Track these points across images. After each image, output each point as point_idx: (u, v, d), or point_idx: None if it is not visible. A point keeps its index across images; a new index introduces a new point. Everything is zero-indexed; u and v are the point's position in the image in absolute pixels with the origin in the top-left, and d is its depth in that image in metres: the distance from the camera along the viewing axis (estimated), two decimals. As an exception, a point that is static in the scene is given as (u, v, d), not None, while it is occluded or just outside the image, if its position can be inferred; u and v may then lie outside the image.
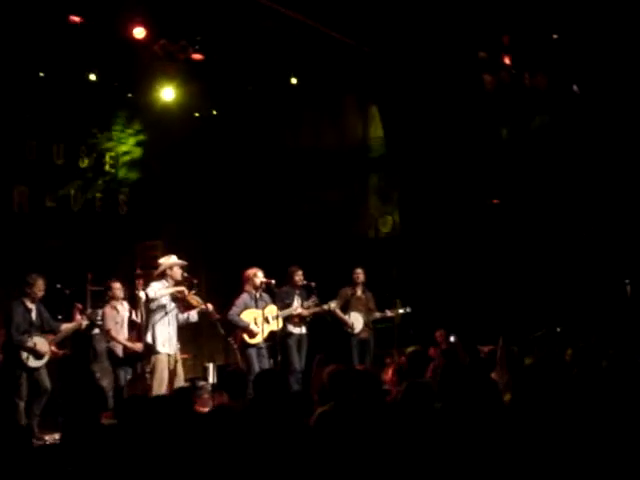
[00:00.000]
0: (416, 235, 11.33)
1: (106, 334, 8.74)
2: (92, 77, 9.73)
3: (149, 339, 7.99)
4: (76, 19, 8.73)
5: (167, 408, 4.33)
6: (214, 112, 11.28)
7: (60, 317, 8.66)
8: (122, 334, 8.75)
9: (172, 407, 4.41)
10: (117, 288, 8.78)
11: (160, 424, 4.11)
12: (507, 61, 9.82)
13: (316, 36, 9.84)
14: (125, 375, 8.73)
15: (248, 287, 8.97)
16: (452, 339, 9.77)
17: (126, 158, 10.94)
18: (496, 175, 10.96)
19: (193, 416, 4.48)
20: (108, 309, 8.76)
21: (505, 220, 10.96)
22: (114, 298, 8.81)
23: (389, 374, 8.77)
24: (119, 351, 8.76)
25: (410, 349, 6.22)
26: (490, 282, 10.72)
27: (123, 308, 8.85)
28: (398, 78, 10.67)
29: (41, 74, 9.52)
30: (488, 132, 10.79)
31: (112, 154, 10.99)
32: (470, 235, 11.06)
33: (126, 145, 10.93)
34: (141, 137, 10.98)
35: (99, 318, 8.79)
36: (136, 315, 8.93)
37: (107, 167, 10.95)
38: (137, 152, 10.95)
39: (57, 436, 6.99)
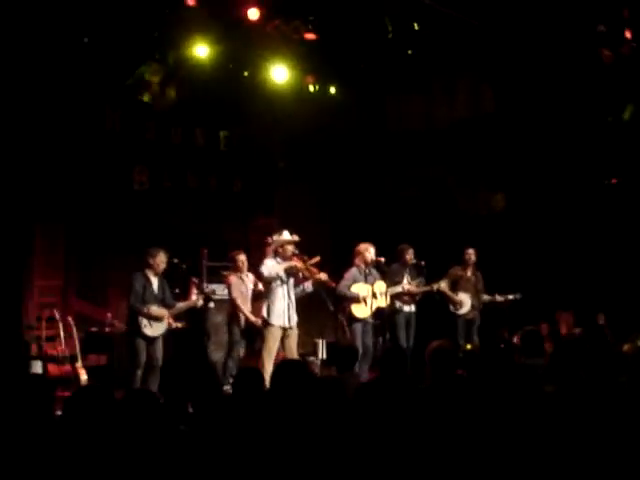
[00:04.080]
0: (528, 215, 11.08)
1: (231, 302, 8.91)
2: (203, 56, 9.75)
3: (264, 312, 8.21)
4: (191, 1, 8.95)
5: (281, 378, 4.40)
6: (332, 90, 11.18)
7: (177, 290, 9.00)
8: (246, 306, 8.90)
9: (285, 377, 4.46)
10: (241, 260, 8.96)
11: (275, 394, 4.21)
12: (628, 35, 9.44)
13: (429, 12, 9.74)
14: (242, 347, 8.92)
15: (358, 261, 9.04)
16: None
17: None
18: (615, 154, 10.58)
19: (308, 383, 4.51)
20: (234, 278, 8.92)
21: (624, 201, 10.59)
22: (239, 270, 8.98)
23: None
24: (241, 322, 8.91)
25: (525, 329, 6.13)
26: (602, 265, 10.42)
27: (248, 280, 9.00)
28: (513, 54, 10.43)
29: (157, 56, 9.80)
30: (608, 109, 10.41)
31: (226, 133, 11.30)
32: (585, 216, 10.75)
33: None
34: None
35: (214, 294, 9.01)
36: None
37: (222, 146, 11.27)
38: None
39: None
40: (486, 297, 10.08)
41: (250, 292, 9.00)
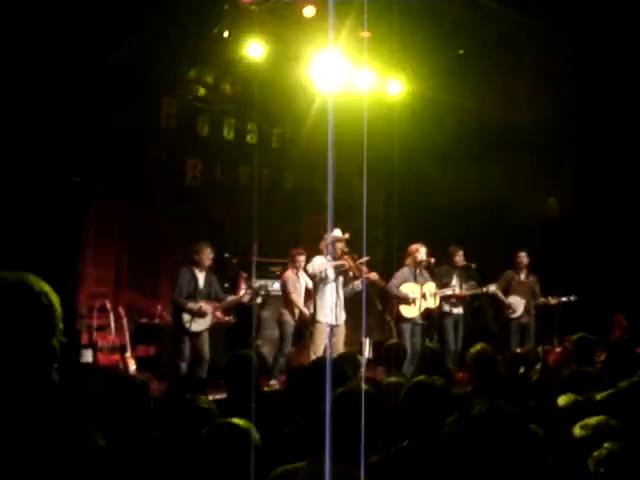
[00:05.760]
0: (586, 219, 10.89)
1: (286, 297, 8.93)
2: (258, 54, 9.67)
3: (312, 309, 8.26)
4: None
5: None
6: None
7: (227, 285, 9.06)
8: (300, 302, 8.88)
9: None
10: (300, 260, 8.88)
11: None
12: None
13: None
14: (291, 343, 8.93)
15: (409, 262, 9.05)
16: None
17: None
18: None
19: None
20: (290, 274, 8.95)
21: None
22: (296, 267, 8.96)
23: (549, 361, 8.52)
24: (295, 317, 8.91)
25: (577, 335, 6.05)
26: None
27: (303, 277, 8.97)
28: (571, 54, 10.27)
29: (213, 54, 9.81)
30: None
31: (279, 130, 11.35)
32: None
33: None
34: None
35: (263, 290, 9.03)
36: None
37: (274, 144, 11.32)
38: None
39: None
40: (541, 300, 9.94)
41: (304, 289, 9.01)
